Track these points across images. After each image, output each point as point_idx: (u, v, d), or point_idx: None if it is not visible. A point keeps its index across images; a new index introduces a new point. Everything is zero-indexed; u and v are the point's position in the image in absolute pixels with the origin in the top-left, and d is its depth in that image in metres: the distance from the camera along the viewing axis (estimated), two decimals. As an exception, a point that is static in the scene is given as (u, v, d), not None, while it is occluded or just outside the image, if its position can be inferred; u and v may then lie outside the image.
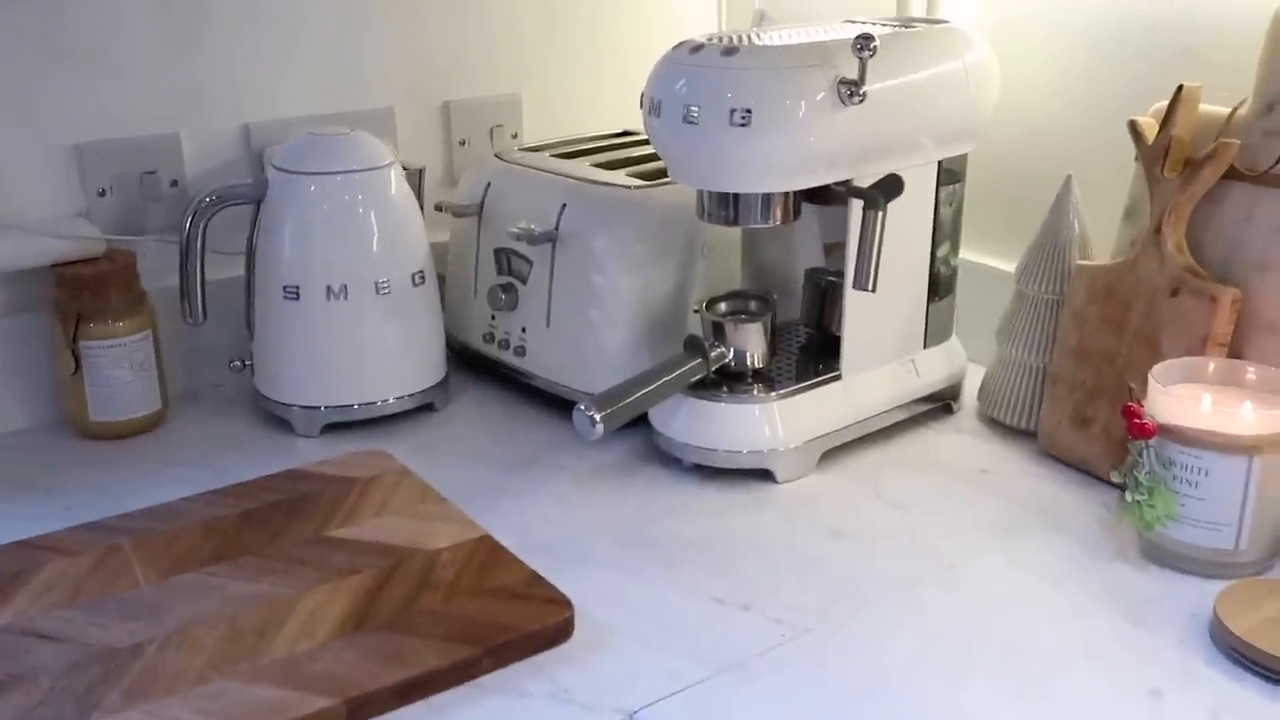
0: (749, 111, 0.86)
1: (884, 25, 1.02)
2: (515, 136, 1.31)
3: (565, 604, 0.77)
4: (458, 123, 1.28)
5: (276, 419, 1.07)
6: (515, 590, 0.79)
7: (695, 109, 0.87)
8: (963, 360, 1.09)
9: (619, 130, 1.26)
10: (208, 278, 1.04)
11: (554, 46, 1.32)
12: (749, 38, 0.92)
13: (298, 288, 1.02)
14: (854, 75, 0.87)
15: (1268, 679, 0.71)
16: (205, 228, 1.02)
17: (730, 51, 0.88)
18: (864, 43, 0.85)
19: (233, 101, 1.15)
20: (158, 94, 1.11)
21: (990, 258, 1.16)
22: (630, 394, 0.93)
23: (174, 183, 1.12)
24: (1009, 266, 1.06)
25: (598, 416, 0.90)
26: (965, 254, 1.13)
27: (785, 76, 0.87)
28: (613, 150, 1.18)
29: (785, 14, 1.34)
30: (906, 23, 1.04)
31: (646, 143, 1.05)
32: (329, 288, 1.02)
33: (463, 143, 1.28)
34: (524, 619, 0.76)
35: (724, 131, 0.87)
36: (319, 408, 1.05)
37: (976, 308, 1.12)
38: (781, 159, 0.89)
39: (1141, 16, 1.02)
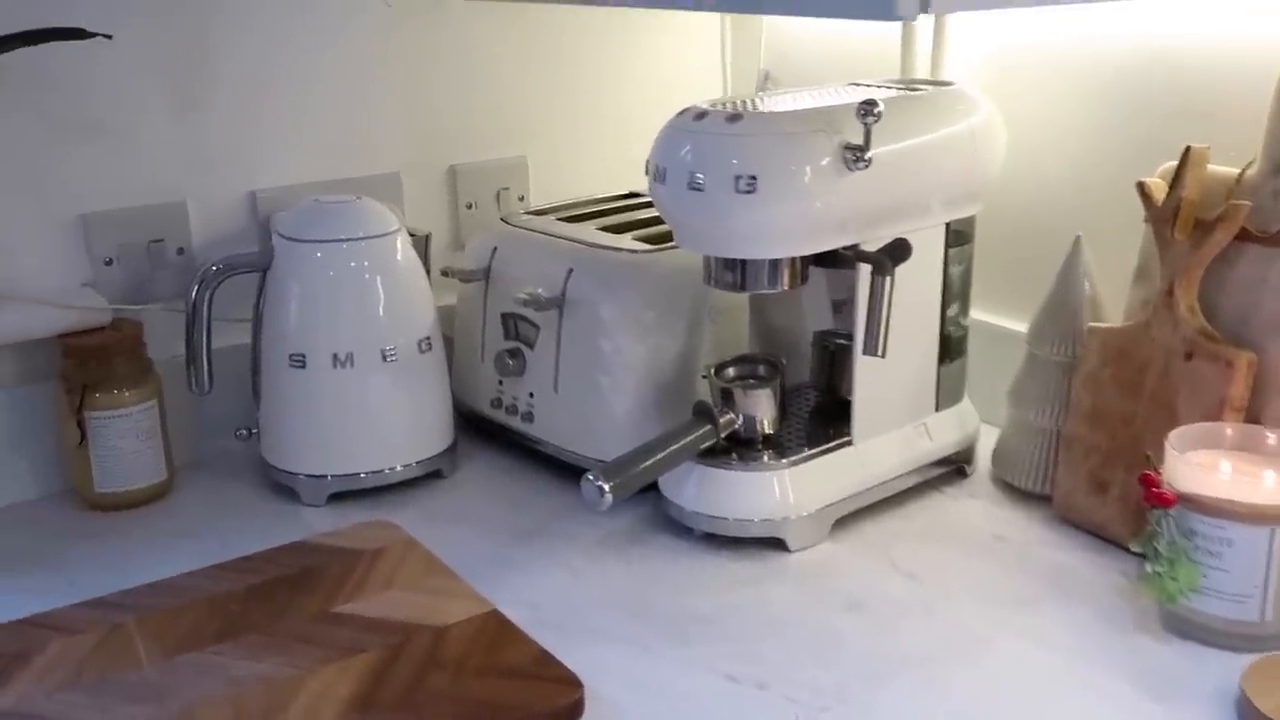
0: (754, 178, 0.85)
1: (889, 87, 1.02)
2: (522, 199, 1.31)
3: (575, 684, 0.76)
4: (464, 186, 1.28)
5: (283, 487, 1.06)
6: (524, 669, 0.78)
7: (700, 176, 0.87)
8: (975, 422, 1.08)
9: (625, 192, 1.26)
10: (214, 345, 1.04)
11: (560, 109, 1.32)
12: (753, 103, 0.92)
13: (303, 355, 1.02)
14: (859, 140, 0.86)
15: (1297, 758, 0.69)
16: (211, 296, 1.02)
17: (735, 118, 0.88)
18: (869, 108, 0.84)
19: (239, 169, 1.15)
20: (164, 163, 1.11)
21: (1001, 318, 1.15)
22: (639, 462, 0.92)
23: (180, 250, 1.12)
24: (1020, 326, 1.05)
25: (607, 487, 0.89)
26: (976, 314, 1.12)
27: (790, 143, 0.87)
28: (619, 213, 1.18)
29: (790, 76, 1.34)
30: (911, 85, 1.03)
31: (652, 205, 1.04)
32: (335, 355, 1.01)
33: (470, 206, 1.28)
34: (533, 699, 0.74)
35: (730, 198, 0.86)
36: (325, 476, 1.04)
37: (988, 368, 1.10)
38: (788, 225, 0.88)
39: (1146, 75, 1.02)
